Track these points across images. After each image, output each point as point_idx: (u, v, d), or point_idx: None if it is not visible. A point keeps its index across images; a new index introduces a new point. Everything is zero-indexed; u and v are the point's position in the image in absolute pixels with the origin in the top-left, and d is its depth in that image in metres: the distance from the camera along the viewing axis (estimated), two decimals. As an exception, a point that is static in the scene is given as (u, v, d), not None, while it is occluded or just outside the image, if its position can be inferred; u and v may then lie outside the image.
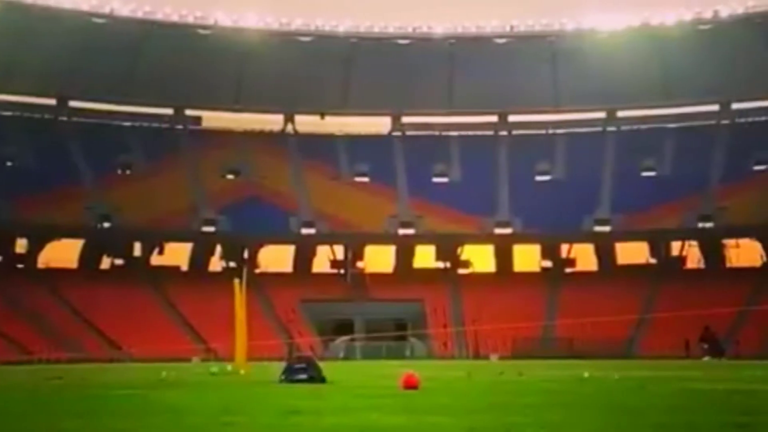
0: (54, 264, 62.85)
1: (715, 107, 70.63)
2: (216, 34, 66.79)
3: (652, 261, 65.62)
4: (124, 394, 6.29)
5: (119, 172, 67.88)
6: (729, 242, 64.89)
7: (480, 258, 67.99)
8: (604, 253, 65.60)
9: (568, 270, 65.10)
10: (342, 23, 68.98)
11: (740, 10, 64.77)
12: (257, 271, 60.96)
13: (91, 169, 65.31)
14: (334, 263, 67.58)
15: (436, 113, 73.74)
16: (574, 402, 4.99)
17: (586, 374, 5.58)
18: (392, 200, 67.52)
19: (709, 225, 62.97)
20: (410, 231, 66.36)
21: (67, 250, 64.22)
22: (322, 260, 68.05)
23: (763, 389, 6.52)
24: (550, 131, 73.25)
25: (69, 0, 62.76)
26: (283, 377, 7.76)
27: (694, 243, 65.74)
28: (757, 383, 7.53)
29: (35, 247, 63.34)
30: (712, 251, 64.65)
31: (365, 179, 70.41)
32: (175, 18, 66.44)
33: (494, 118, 73.98)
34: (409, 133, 73.63)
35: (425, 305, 60.42)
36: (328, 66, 68.85)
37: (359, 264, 67.08)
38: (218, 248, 67.69)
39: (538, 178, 69.06)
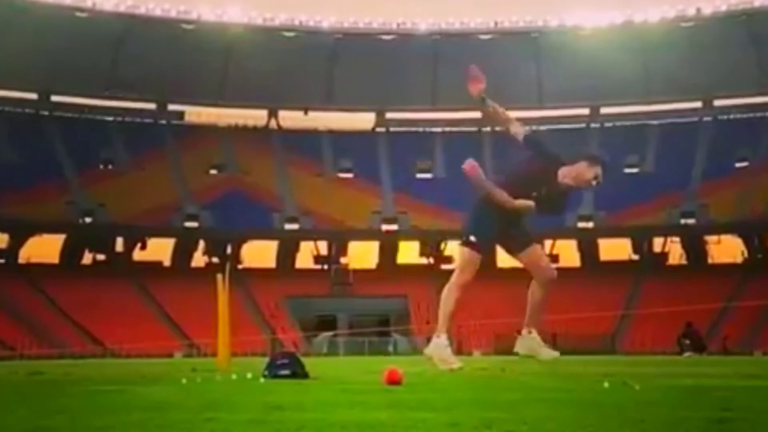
0: (35, 259, 62.62)
1: (698, 104, 71.01)
2: (199, 28, 66.62)
3: (635, 257, 65.96)
4: (106, 390, 6.27)
5: (101, 167, 67.63)
6: (711, 238, 65.33)
7: (463, 254, 68.11)
8: (587, 250, 65.89)
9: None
10: (326, 19, 69.02)
11: (723, 8, 65.21)
12: (240, 266, 60.93)
13: (73, 164, 65.05)
14: (318, 259, 67.64)
15: (420, 109, 73.84)
16: (555, 398, 5.01)
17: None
18: (376, 196, 67.58)
19: (691, 221, 63.34)
20: (394, 227, 66.44)
21: (48, 246, 64.05)
22: (306, 256, 68.15)
23: (744, 385, 6.56)
24: (534, 127, 73.21)
25: (51, -6, 62.59)
26: (265, 373, 7.74)
27: (677, 239, 66.15)
28: (739, 379, 7.57)
29: (16, 243, 63.08)
30: (695, 247, 65.06)
31: (349, 175, 70.46)
32: (158, 12, 66.26)
33: (478, 115, 74.06)
34: (393, 129, 73.72)
35: (409, 301, 60.50)
36: (312, 61, 68.80)
37: (343, 260, 67.15)
38: (201, 244, 67.58)
39: (522, 174, 69.25)
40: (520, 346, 8.47)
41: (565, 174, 7.82)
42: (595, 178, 7.75)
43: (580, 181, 7.80)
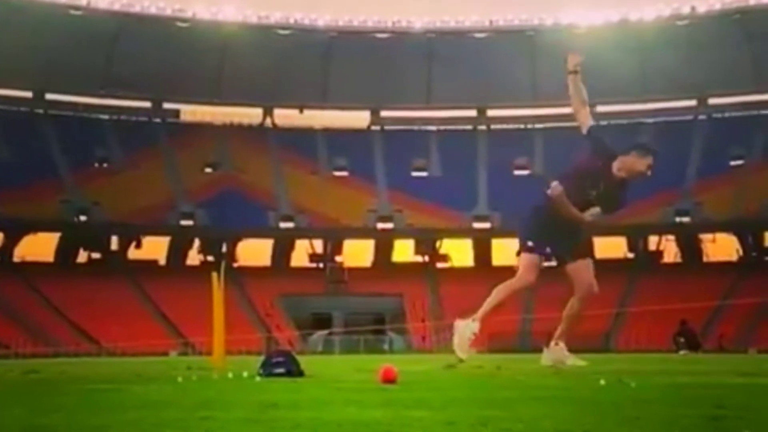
0: (30, 258, 62.49)
1: (693, 102, 71.10)
2: (194, 27, 66.55)
3: (630, 255, 65.98)
4: (101, 389, 6.26)
5: (96, 165, 67.56)
6: (706, 237, 65.41)
7: (459, 252, 68.19)
8: (582, 248, 65.87)
9: (545, 264, 65.18)
10: (321, 17, 68.99)
11: (717, 6, 65.32)
12: (235, 265, 60.89)
13: (68, 162, 64.94)
14: (313, 257, 67.62)
15: (415, 108, 73.81)
16: (550, 396, 5.01)
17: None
18: (371, 194, 67.56)
19: (686, 219, 63.41)
20: (389, 225, 66.44)
21: (43, 244, 63.89)
22: (301, 254, 68.12)
23: (739, 382, 6.58)
24: (529, 126, 73.50)
25: (46, -8, 62.47)
26: (261, 371, 7.74)
27: (671, 237, 66.18)
28: (733, 377, 7.59)
29: (11, 241, 62.97)
30: (689, 246, 65.11)
31: (344, 173, 70.44)
32: (153, 10, 66.18)
33: (473, 113, 74.14)
34: (387, 127, 73.67)
35: (404, 299, 60.51)
36: (307, 60, 68.76)
37: (338, 258, 67.12)
38: (196, 242, 67.53)
39: (517, 172, 69.24)
40: (546, 358, 8.51)
41: (619, 167, 7.98)
42: (649, 167, 7.92)
43: (633, 172, 7.98)
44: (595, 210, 8.01)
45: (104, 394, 5.65)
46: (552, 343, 8.45)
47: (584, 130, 8.26)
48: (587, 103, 8.45)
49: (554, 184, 7.92)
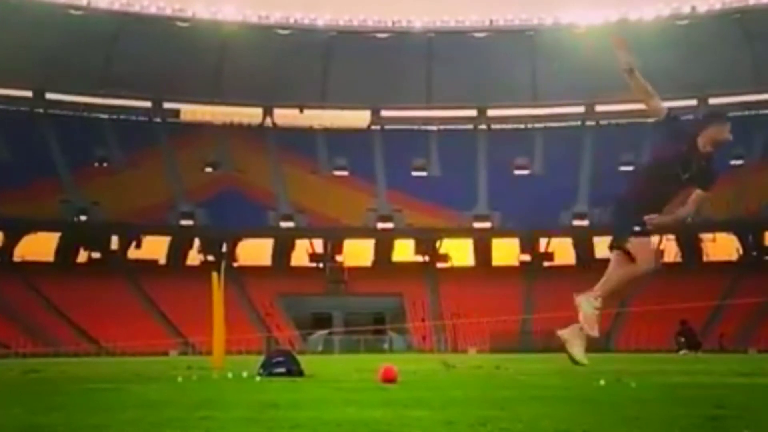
0: (30, 257, 62.50)
1: (693, 102, 71.00)
2: (194, 26, 66.51)
3: (630, 255, 65.97)
4: (100, 388, 6.26)
5: (96, 165, 67.54)
6: (706, 236, 65.37)
7: (459, 252, 68.17)
8: (582, 247, 65.83)
9: (546, 264, 65.31)
10: (321, 17, 68.95)
11: (717, 6, 65.30)
12: (235, 264, 60.88)
13: (68, 162, 64.92)
14: (313, 257, 67.63)
15: (415, 107, 73.80)
16: (550, 396, 5.01)
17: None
18: (371, 194, 67.55)
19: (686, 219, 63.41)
20: (389, 225, 66.44)
21: (43, 244, 63.88)
22: (301, 254, 68.11)
23: (738, 382, 6.58)
24: (529, 126, 73.48)
25: (46, -9, 62.41)
26: (261, 371, 7.74)
27: (672, 237, 66.14)
28: (733, 377, 7.58)
29: (11, 241, 62.96)
30: (690, 245, 65.09)
31: (344, 173, 70.44)
32: (153, 10, 66.13)
33: (473, 113, 74.13)
34: (388, 127, 73.67)
35: (404, 299, 60.51)
36: (307, 59, 68.72)
37: (338, 258, 67.11)
38: (196, 242, 67.53)
39: (517, 172, 69.25)
40: (566, 331, 8.16)
41: (704, 143, 7.92)
42: (730, 132, 7.87)
43: (717, 143, 7.86)
44: (696, 194, 7.96)
45: (104, 394, 5.65)
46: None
47: (661, 117, 8.14)
48: (653, 94, 8.28)
49: (647, 218, 7.78)
